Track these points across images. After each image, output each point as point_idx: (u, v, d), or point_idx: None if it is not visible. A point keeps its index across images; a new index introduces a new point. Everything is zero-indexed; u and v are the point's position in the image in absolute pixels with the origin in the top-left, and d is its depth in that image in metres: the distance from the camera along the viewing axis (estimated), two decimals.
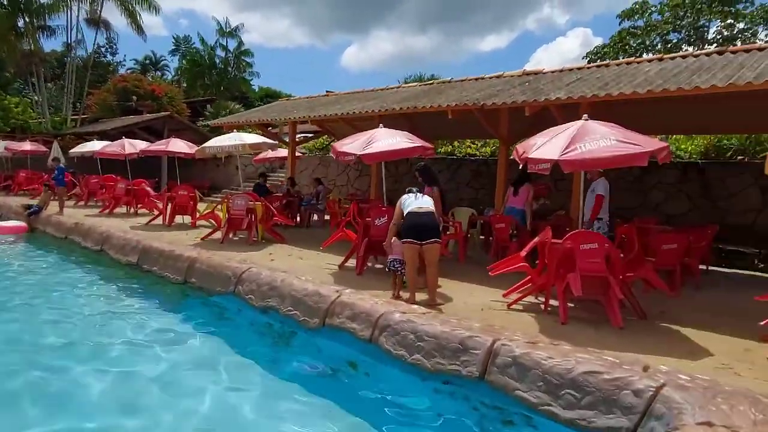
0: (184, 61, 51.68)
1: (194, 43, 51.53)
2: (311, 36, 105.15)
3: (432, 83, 12.36)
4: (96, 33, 30.28)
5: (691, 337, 5.18)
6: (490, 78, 10.57)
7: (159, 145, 12.94)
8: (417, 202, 6.02)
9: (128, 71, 50.32)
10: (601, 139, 5.32)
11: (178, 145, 12.29)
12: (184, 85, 48.08)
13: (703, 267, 8.89)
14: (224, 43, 49.26)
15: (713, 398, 3.17)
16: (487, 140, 15.53)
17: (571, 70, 9.51)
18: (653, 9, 32.00)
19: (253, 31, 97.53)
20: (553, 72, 9.62)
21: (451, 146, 16.52)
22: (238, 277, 6.56)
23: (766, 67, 6.44)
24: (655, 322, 5.66)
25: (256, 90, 51.53)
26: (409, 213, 5.92)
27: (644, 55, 25.32)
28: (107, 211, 14.05)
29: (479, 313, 5.73)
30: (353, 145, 7.45)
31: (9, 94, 27.79)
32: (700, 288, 7.48)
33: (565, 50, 76.87)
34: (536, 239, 6.20)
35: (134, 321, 6.31)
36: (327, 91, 16.37)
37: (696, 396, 3.20)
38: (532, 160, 5.54)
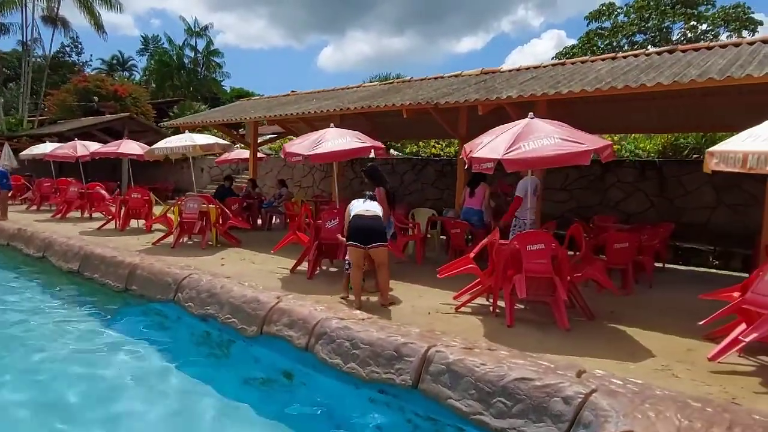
0: (152, 62, 50.73)
1: (163, 43, 50.57)
2: (287, 37, 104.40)
3: (392, 82, 12.22)
4: (53, 31, 29.37)
5: (636, 338, 5.10)
6: (449, 77, 10.46)
7: (110, 147, 12.49)
8: (363, 205, 5.96)
9: (94, 72, 49.15)
10: (545, 138, 5.22)
11: (131, 147, 11.89)
12: (153, 86, 47.14)
13: (659, 265, 8.96)
14: (193, 44, 48.64)
15: (641, 404, 3.06)
16: (452, 140, 15.46)
17: (527, 68, 9.46)
18: (620, 11, 32.52)
19: (229, 31, 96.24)
20: (510, 71, 9.55)
21: (416, 146, 16.40)
22: (178, 284, 6.29)
23: (711, 64, 6.44)
24: (603, 323, 5.59)
25: (228, 91, 50.73)
26: (354, 216, 5.88)
27: None
28: (59, 215, 13.55)
29: (425, 317, 5.57)
30: (302, 145, 7.24)
31: None
32: (653, 286, 7.47)
33: (539, 52, 77.69)
34: (485, 240, 6.08)
35: (68, 331, 5.99)
36: (291, 91, 16.11)
37: (623, 402, 3.09)
38: (475, 159, 5.41)
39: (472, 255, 6.03)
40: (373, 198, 6.14)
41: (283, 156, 7.33)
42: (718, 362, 4.38)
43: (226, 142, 10.40)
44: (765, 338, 4.17)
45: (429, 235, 9.78)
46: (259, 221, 12.83)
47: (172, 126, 15.72)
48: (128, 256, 7.55)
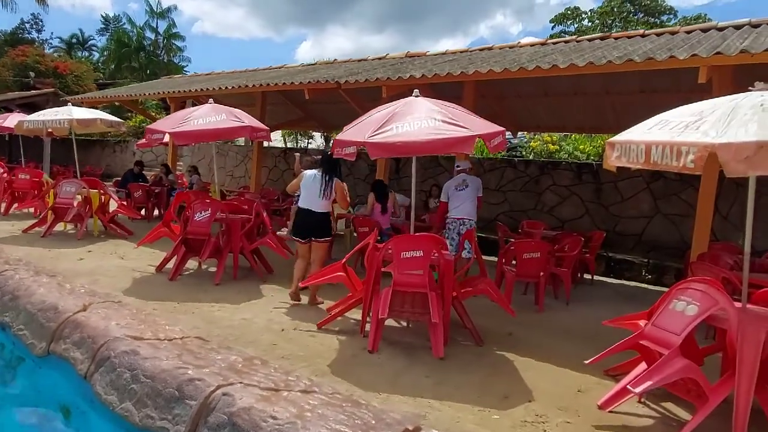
0: (111, 42, 48.49)
1: (124, 23, 48.36)
2: (266, 28, 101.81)
3: (315, 63, 11.10)
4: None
5: (522, 372, 4.14)
6: (372, 59, 9.43)
7: None
8: (312, 198, 5.51)
9: (53, 51, 46.72)
10: (425, 119, 4.22)
11: (11, 121, 10.46)
12: (112, 66, 45.09)
13: (588, 277, 8.13)
14: (154, 25, 46.63)
15: None
16: None
17: (454, 52, 8.50)
18: (584, 15, 32.18)
19: (206, 19, 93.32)
20: (435, 54, 8.57)
21: None
22: None
23: (636, 49, 5.55)
24: (493, 349, 4.62)
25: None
26: (300, 209, 5.63)
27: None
28: None
29: (275, 334, 4.51)
30: (166, 122, 6.09)
31: None
32: (572, 303, 6.59)
33: None
34: (361, 243, 5.04)
35: None
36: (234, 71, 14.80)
37: None
38: (338, 142, 4.37)
39: (344, 261, 4.98)
40: (329, 183, 5.51)
41: (145, 138, 6.15)
42: (610, 411, 3.44)
43: (114, 118, 9.06)
44: (666, 385, 3.25)
45: (342, 233, 8.74)
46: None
47: (75, 102, 14.04)
48: None
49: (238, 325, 4.66)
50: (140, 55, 44.63)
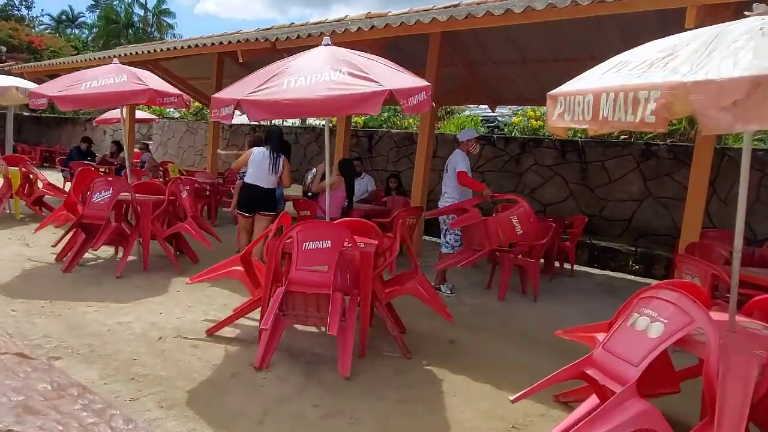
0: (100, 19, 47.46)
1: None
2: (270, 8, 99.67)
3: (270, 28, 10.02)
4: None
5: (448, 398, 3.23)
6: (331, 22, 8.38)
7: None
8: (261, 174, 5.49)
9: (43, 28, 45.81)
10: (327, 72, 3.25)
11: None
12: (101, 43, 44.03)
13: (568, 267, 7.20)
14: (143, 1, 45.53)
15: None
16: None
17: (417, 11, 7.43)
18: None
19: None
20: (399, 13, 7.51)
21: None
22: None
23: None
24: (421, 363, 3.72)
25: None
26: (247, 185, 5.58)
27: None
28: None
29: (149, 345, 3.60)
30: (55, 84, 5.13)
31: None
32: (541, 298, 5.68)
33: None
34: (267, 229, 4.10)
35: None
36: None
37: None
38: (216, 101, 3.41)
39: (244, 252, 4.04)
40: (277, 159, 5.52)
41: (30, 103, 5.17)
42: None
43: (26, 86, 7.90)
44: None
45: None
46: None
47: (17, 72, 12.85)
48: None
49: (106, 332, 3.76)
50: (129, 32, 43.59)
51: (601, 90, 2.16)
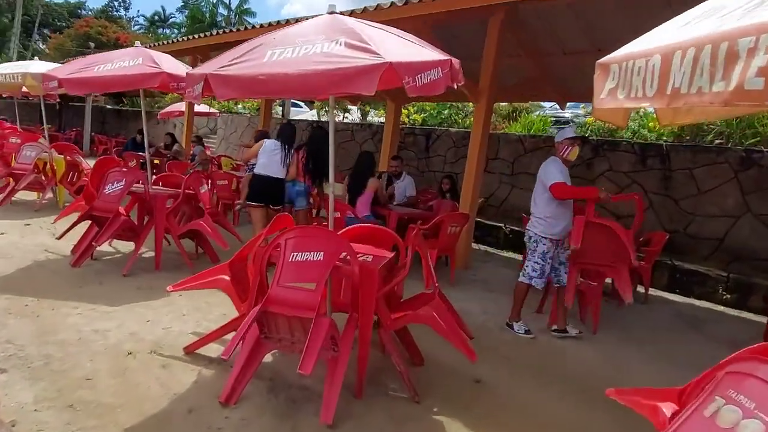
0: (186, 18, 50.09)
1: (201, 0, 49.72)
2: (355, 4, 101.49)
3: None
4: None
5: None
6: None
7: None
8: (274, 165, 5.54)
9: (139, 28, 49.10)
10: (321, 43, 2.62)
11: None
12: None
13: (641, 291, 6.13)
14: (226, 1, 47.43)
15: None
16: (422, 105, 12.62)
17: None
18: None
19: (296, 2, 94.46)
20: None
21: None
22: None
23: None
24: (431, 411, 2.98)
25: None
26: (258, 176, 5.58)
27: None
28: None
29: (116, 360, 3.11)
30: (68, 67, 4.83)
31: None
32: (602, 328, 4.74)
33: None
34: (255, 237, 3.49)
35: None
36: None
37: None
38: (188, 78, 2.85)
39: (232, 259, 3.47)
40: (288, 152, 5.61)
41: (43, 87, 4.89)
42: None
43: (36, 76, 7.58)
44: None
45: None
46: None
47: None
48: None
49: (76, 341, 3.32)
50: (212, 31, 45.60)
51: (674, 47, 1.35)
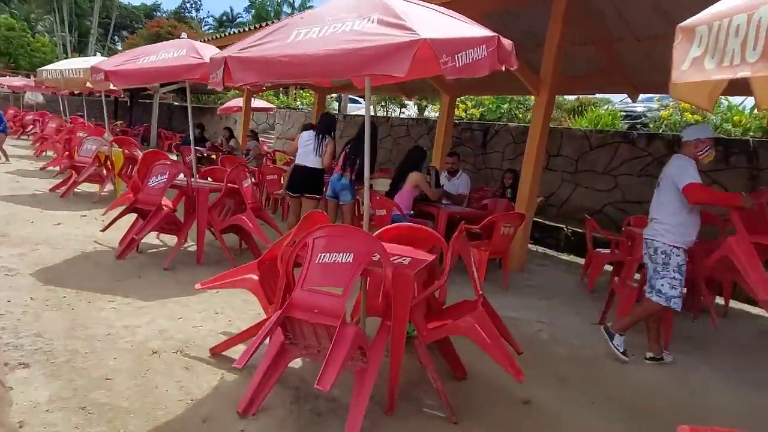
0: (253, 18, 51.60)
1: None
2: None
3: None
4: None
5: None
6: None
7: None
8: (307, 155, 5.74)
9: (208, 28, 51.16)
10: (353, 20, 2.36)
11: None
12: None
13: (721, 303, 5.48)
14: (291, 0, 48.40)
15: None
16: (480, 99, 12.11)
17: None
18: None
19: None
20: None
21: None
22: None
23: None
24: None
25: None
26: (295, 166, 5.87)
27: None
28: (36, 154, 12.36)
29: (139, 361, 2.99)
30: (116, 59, 4.83)
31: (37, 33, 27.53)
32: (672, 347, 4.21)
33: None
34: (289, 233, 3.27)
35: None
36: None
37: None
38: (211, 63, 2.65)
39: (261, 257, 3.26)
40: (321, 141, 5.70)
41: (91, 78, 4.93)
42: None
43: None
44: None
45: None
46: None
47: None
48: None
49: (104, 336, 3.23)
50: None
51: None
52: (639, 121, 10.73)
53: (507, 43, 2.54)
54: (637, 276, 5.14)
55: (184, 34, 5.31)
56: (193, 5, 54.66)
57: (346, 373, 2.51)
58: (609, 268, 6.18)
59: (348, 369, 2.59)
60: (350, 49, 2.12)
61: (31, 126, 15.44)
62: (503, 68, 2.38)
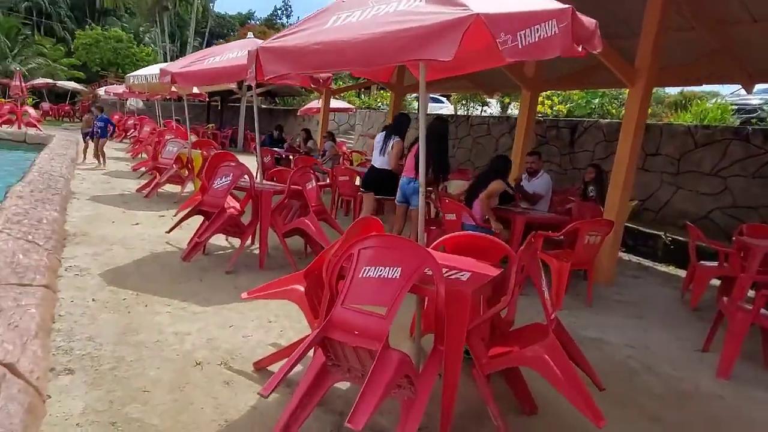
0: None
1: None
2: None
3: None
4: None
5: None
6: None
7: None
8: (376, 155, 5.89)
9: None
10: (397, 1, 2.02)
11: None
12: None
13: None
14: None
15: None
16: (563, 93, 11.27)
17: None
18: None
19: None
20: None
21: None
22: None
23: None
24: None
25: None
26: (370, 166, 6.08)
27: None
28: (131, 155, 13.18)
29: (181, 372, 2.86)
30: (183, 61, 4.84)
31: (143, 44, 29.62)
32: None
33: None
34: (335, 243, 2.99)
35: None
36: None
37: None
38: (249, 58, 2.44)
39: (308, 268, 3.02)
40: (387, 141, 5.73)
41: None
42: None
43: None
44: None
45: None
46: None
47: None
48: None
49: (152, 343, 3.15)
50: None
51: None
52: (755, 115, 9.46)
53: (587, 19, 2.10)
54: (751, 294, 4.38)
55: (250, 34, 5.23)
56: (284, 12, 57.02)
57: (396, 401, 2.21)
58: (715, 282, 5.41)
59: (393, 398, 2.29)
60: (389, 32, 1.80)
61: (132, 130, 16.54)
62: (581, 50, 1.95)
